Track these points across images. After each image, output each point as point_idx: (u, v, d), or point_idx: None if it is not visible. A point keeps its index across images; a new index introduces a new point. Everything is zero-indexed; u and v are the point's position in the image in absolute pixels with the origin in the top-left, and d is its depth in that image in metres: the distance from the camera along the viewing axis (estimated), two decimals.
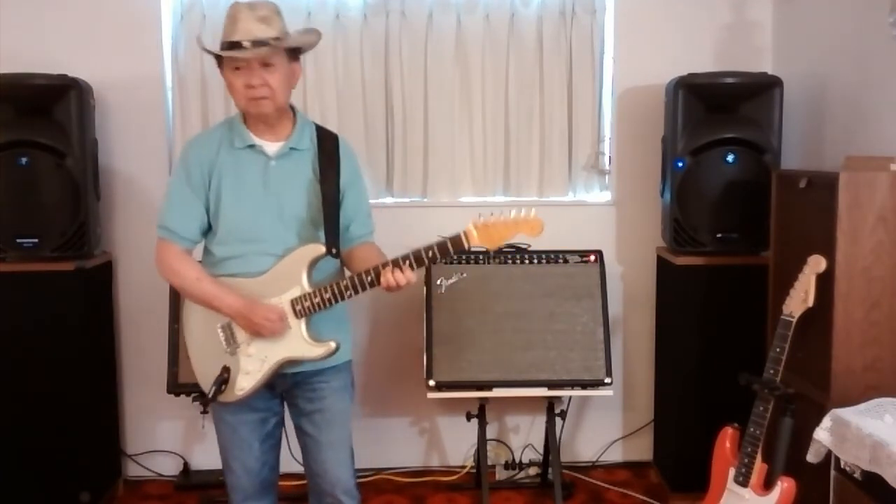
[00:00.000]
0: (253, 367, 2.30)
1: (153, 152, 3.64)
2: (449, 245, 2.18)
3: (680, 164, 3.31)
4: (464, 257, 3.42)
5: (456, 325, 3.33)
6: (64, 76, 3.23)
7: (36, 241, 3.22)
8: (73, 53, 3.48)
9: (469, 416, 3.45)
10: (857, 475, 2.18)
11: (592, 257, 3.43)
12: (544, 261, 3.42)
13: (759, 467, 2.51)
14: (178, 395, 3.38)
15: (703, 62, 3.56)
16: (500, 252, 3.44)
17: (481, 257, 3.42)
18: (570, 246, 3.46)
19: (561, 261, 3.42)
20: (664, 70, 3.42)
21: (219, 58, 2.27)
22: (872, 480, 2.10)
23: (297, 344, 2.28)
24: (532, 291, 3.37)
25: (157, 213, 3.53)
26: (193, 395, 3.37)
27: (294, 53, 2.35)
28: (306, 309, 2.25)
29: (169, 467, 3.76)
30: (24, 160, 3.19)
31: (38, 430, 3.27)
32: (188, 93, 3.60)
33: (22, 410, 3.26)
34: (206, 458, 3.74)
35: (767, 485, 2.50)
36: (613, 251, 3.76)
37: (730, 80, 3.31)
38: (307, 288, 2.26)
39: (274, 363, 2.29)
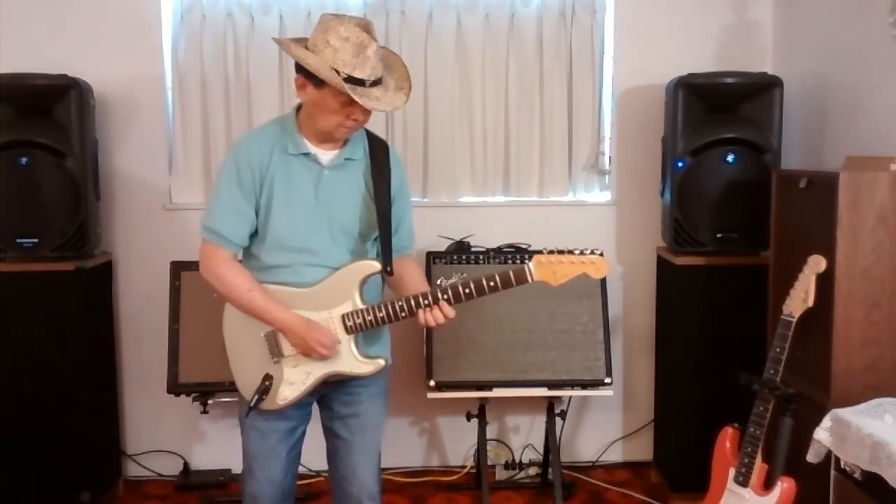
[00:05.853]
0: (298, 378, 2.25)
1: (153, 152, 3.65)
2: (512, 278, 2.17)
3: (680, 164, 3.31)
4: (464, 257, 3.43)
5: (456, 325, 3.32)
6: (64, 76, 3.23)
7: (36, 241, 3.22)
8: (73, 53, 3.48)
9: (469, 416, 3.45)
10: (857, 475, 2.18)
11: None
12: None
13: (759, 467, 2.51)
14: (178, 395, 3.37)
15: (703, 62, 3.56)
16: (499, 252, 3.45)
17: (481, 257, 3.42)
18: (570, 246, 3.43)
19: None
20: (664, 70, 3.42)
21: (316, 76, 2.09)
22: (872, 480, 2.10)
23: (346, 359, 2.23)
24: (532, 291, 3.33)
25: (153, 213, 3.62)
26: (193, 395, 3.37)
27: None
28: (358, 326, 2.21)
29: (169, 467, 3.76)
30: (24, 160, 3.19)
31: (39, 430, 3.27)
32: (188, 93, 3.60)
33: (22, 410, 3.26)
34: (206, 458, 3.75)
35: (767, 485, 2.49)
36: (613, 251, 3.76)
37: (730, 80, 3.31)
38: (360, 304, 2.21)
39: (320, 376, 2.24)
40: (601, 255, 2.29)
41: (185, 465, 3.75)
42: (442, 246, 3.52)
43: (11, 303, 3.23)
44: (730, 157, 3.28)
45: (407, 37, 3.60)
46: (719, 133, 3.27)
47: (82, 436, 3.31)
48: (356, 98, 2.05)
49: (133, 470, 3.75)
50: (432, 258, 3.42)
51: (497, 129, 3.70)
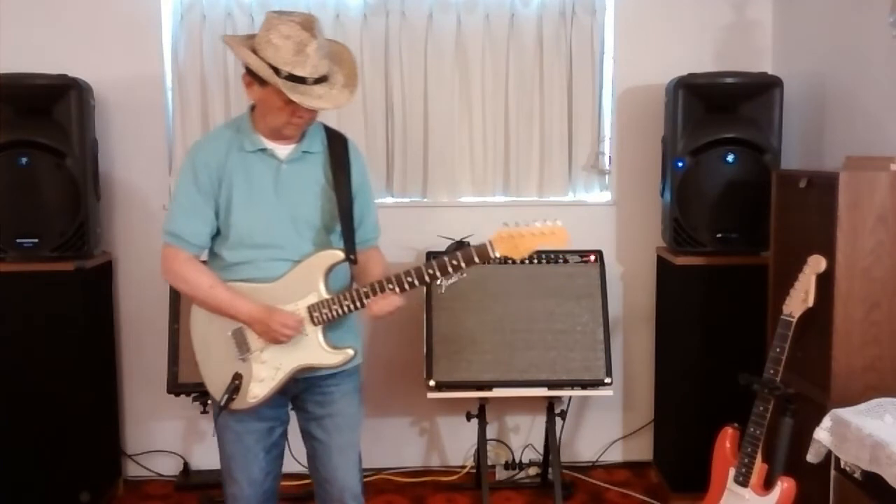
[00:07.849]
0: (267, 374, 2.25)
1: (153, 152, 3.64)
2: (475, 255, 2.16)
3: (680, 164, 3.31)
4: None
5: (456, 325, 3.33)
6: (64, 76, 3.23)
7: (36, 241, 3.22)
8: (73, 53, 3.48)
9: (469, 416, 3.45)
10: (857, 475, 2.18)
11: (592, 257, 3.43)
12: (544, 261, 3.42)
13: (759, 467, 2.51)
14: (178, 395, 3.38)
15: (703, 62, 3.56)
16: None
17: None
18: (570, 246, 3.45)
19: (561, 261, 3.42)
20: (664, 70, 3.42)
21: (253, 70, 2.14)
22: (872, 480, 2.10)
23: (314, 351, 2.24)
24: (532, 291, 3.37)
25: (153, 213, 3.62)
26: (193, 395, 3.37)
27: None
28: (324, 316, 2.22)
29: (169, 467, 3.76)
30: (24, 160, 3.19)
31: (38, 430, 3.27)
32: (188, 93, 3.60)
33: (22, 411, 3.25)
34: (206, 458, 3.74)
35: (767, 485, 2.50)
36: (613, 251, 3.76)
37: (730, 80, 3.31)
38: (325, 295, 2.22)
39: (289, 371, 2.25)
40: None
41: (185, 465, 3.75)
42: (442, 246, 3.50)
43: (11, 303, 3.23)
44: (730, 157, 3.28)
45: (407, 37, 3.60)
46: (719, 133, 3.28)
47: (82, 436, 3.31)
48: (293, 97, 2.08)
49: (133, 470, 3.75)
50: (432, 258, 3.41)
51: (497, 129, 3.70)
